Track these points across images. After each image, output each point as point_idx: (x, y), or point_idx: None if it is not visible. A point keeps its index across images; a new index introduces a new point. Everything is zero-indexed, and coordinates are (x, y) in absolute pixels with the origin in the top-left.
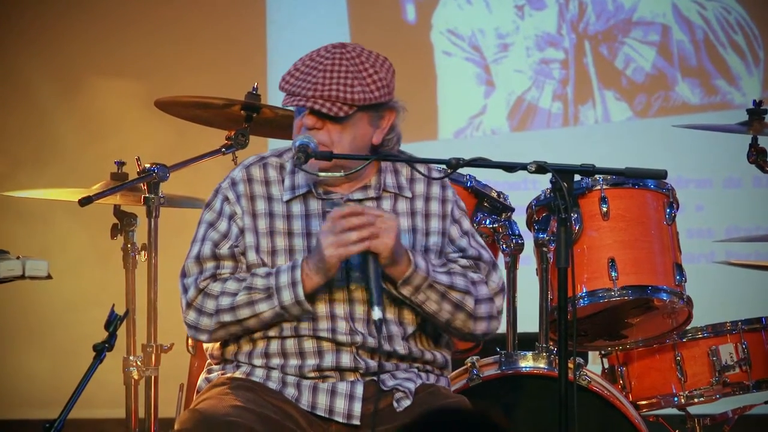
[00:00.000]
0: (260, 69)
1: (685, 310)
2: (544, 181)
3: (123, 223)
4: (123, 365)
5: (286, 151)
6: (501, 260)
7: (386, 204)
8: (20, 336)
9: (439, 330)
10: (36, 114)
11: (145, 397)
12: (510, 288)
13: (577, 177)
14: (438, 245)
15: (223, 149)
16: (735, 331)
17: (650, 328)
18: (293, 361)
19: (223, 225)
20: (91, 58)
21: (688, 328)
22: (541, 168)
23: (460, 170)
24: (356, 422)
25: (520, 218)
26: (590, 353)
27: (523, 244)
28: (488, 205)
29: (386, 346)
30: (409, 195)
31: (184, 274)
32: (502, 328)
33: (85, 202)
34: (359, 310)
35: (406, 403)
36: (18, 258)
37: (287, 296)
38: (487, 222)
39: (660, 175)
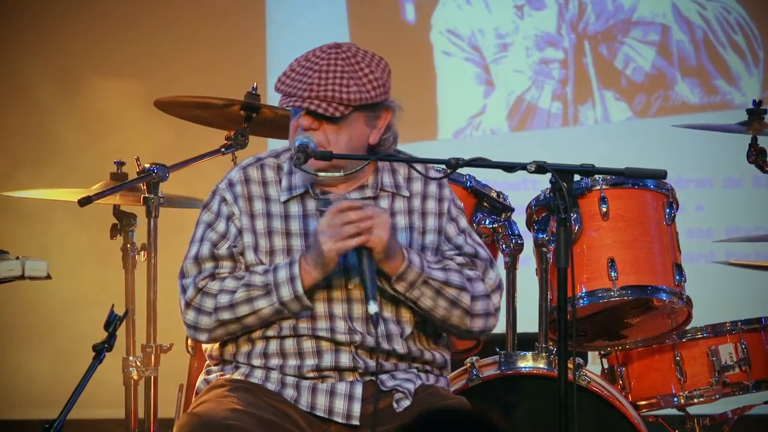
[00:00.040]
0: (260, 69)
1: (685, 310)
2: (543, 181)
3: (122, 223)
4: (122, 365)
5: (283, 151)
6: (501, 260)
7: (384, 203)
8: (20, 336)
9: (437, 329)
10: (36, 114)
11: (144, 398)
12: (509, 288)
13: (576, 177)
14: (434, 243)
15: (223, 149)
16: (735, 332)
17: (650, 328)
18: (292, 362)
19: (221, 226)
20: (91, 58)
21: (688, 328)
22: (540, 168)
23: (460, 170)
24: (355, 422)
25: (519, 218)
26: (590, 353)
27: (522, 244)
28: (488, 205)
29: (385, 345)
30: (407, 194)
31: (182, 275)
32: (502, 328)
33: (84, 202)
34: (357, 309)
35: (406, 403)
36: (18, 258)
37: (286, 292)
38: (487, 222)
39: (659, 175)
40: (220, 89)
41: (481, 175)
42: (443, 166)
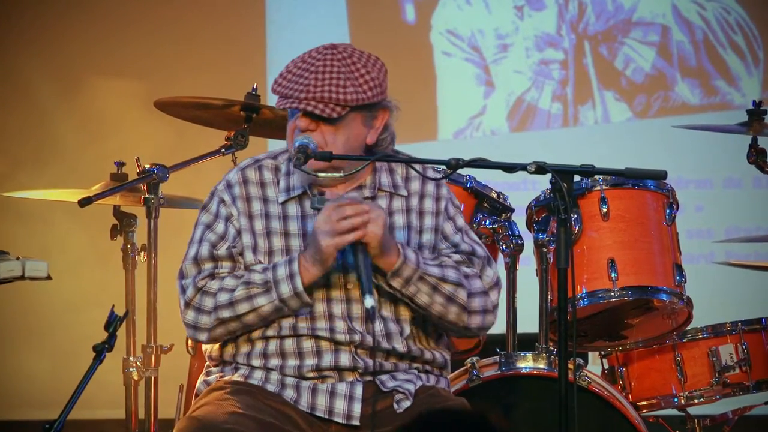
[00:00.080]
0: (260, 69)
1: (685, 310)
2: (543, 182)
3: (123, 223)
4: (123, 366)
5: (281, 153)
6: (501, 261)
7: (382, 203)
8: (20, 336)
9: (436, 327)
10: (36, 114)
11: (144, 398)
12: (510, 289)
13: (576, 177)
14: (431, 242)
15: (223, 150)
16: (735, 332)
17: (650, 328)
18: (292, 362)
19: (220, 227)
20: (91, 58)
21: (688, 328)
22: (540, 168)
23: (460, 171)
24: (356, 423)
25: (519, 219)
26: (590, 354)
27: (522, 244)
28: (488, 206)
29: (385, 344)
30: (405, 193)
31: (181, 275)
32: (502, 328)
33: (84, 202)
34: (357, 309)
35: (406, 404)
36: (18, 258)
37: (285, 288)
38: (487, 222)
39: (660, 176)
40: (220, 89)
41: (481, 175)
42: (443, 167)
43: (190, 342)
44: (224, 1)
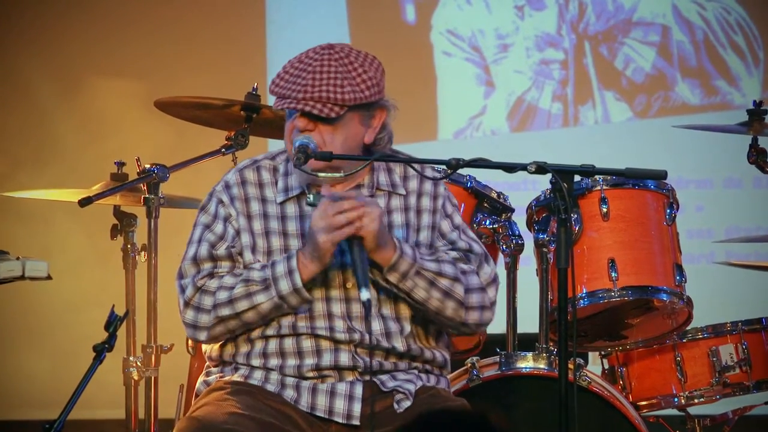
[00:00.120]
0: (260, 69)
1: (685, 310)
2: (544, 182)
3: (123, 223)
4: (123, 366)
5: (279, 153)
6: (501, 261)
7: (380, 202)
8: (20, 336)
9: (435, 325)
10: (36, 114)
11: (145, 398)
12: (510, 289)
13: (576, 177)
14: (428, 239)
15: (223, 150)
16: (735, 332)
17: (650, 328)
18: (291, 361)
19: (218, 227)
20: (91, 58)
21: (688, 328)
22: (540, 168)
23: (460, 171)
24: (356, 422)
25: (520, 219)
26: (590, 354)
27: (523, 244)
28: (488, 206)
29: (384, 343)
30: (403, 192)
31: (180, 275)
32: (502, 328)
33: (85, 202)
34: (356, 308)
35: (406, 404)
36: (18, 258)
37: (285, 285)
38: (487, 222)
39: (660, 176)
40: (220, 89)
41: (482, 175)
42: (443, 167)
43: (190, 342)
44: (224, 1)
